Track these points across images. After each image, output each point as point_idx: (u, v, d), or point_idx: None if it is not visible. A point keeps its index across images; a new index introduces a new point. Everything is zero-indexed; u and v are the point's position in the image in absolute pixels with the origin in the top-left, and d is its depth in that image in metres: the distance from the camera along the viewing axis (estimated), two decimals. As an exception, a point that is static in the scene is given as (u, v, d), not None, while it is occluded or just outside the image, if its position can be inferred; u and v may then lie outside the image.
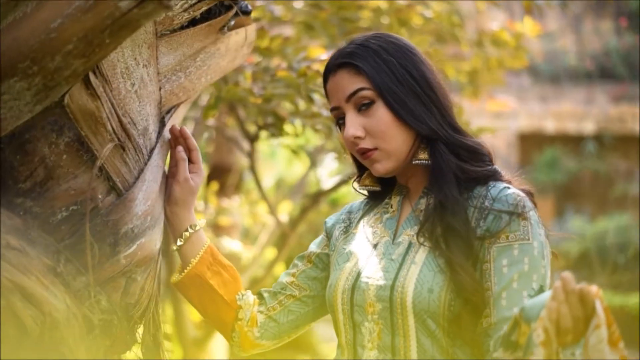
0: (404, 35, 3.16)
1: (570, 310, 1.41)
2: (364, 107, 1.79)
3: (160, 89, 1.88)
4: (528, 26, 5.15)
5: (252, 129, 3.47)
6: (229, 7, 2.02)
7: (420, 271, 1.70)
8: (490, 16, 7.92)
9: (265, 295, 2.00)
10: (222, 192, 5.75)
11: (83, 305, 1.71)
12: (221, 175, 5.90)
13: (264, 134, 3.45)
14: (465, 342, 1.68)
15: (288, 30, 4.19)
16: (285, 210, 5.02)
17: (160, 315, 1.95)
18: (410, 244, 1.77)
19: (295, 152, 3.36)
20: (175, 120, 2.07)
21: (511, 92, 13.39)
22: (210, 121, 3.87)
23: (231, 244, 4.64)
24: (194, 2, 1.87)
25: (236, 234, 5.45)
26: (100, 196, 1.72)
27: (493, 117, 13.10)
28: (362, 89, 1.78)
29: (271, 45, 2.87)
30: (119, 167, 1.75)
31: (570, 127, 13.08)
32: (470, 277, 1.65)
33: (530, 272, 1.65)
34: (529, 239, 1.68)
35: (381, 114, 1.78)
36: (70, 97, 1.62)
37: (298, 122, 3.06)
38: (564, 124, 13.08)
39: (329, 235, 1.98)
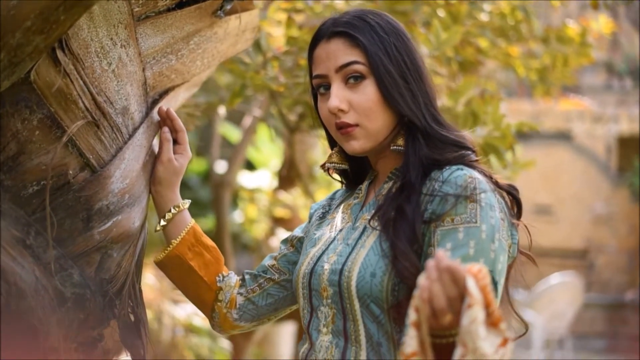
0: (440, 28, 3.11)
1: (443, 289, 1.33)
2: (352, 81, 1.75)
3: (144, 69, 1.91)
4: (602, 23, 5.02)
5: (292, 119, 3.48)
6: (223, -9, 2.04)
7: (366, 255, 1.68)
8: (565, 12, 7.71)
9: (247, 277, 2.01)
10: (291, 185, 5.79)
11: (54, 277, 1.75)
12: (292, 168, 5.93)
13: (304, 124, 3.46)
14: None
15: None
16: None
17: (141, 292, 1.98)
18: (364, 228, 1.74)
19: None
20: (172, 103, 2.10)
21: (613, 95, 13.04)
22: (257, 111, 3.90)
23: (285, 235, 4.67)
24: (177, -16, 1.90)
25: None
26: (71, 172, 1.76)
27: (592, 121, 12.78)
28: (356, 62, 1.75)
29: (300, 34, 2.87)
30: (92, 144, 1.78)
31: (673, 132, 12.63)
32: (410, 263, 1.60)
33: (477, 256, 1.59)
34: (476, 222, 1.61)
35: (370, 91, 1.75)
36: (36, 73, 1.67)
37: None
38: (667, 128, 12.64)
39: (310, 221, 1.98)
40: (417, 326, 1.36)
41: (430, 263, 1.35)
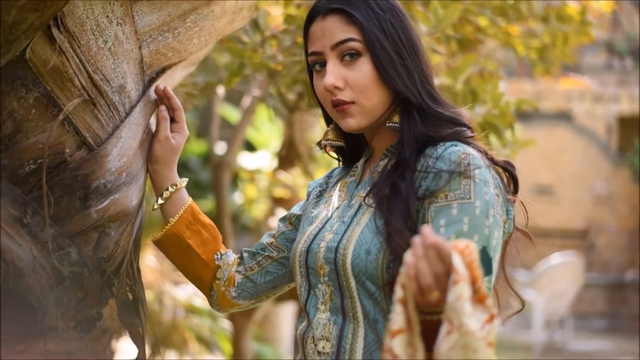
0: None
1: (430, 265, 1.32)
2: (348, 58, 1.74)
3: (140, 47, 1.90)
4: (602, 2, 5.00)
5: (291, 98, 3.47)
6: (219, -32, 2.03)
7: (361, 232, 1.67)
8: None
9: (245, 255, 2.00)
10: (290, 165, 5.79)
11: (51, 256, 1.75)
12: (291, 148, 5.93)
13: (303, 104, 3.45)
14: None
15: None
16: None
17: (139, 271, 1.98)
18: (360, 206, 1.74)
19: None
20: (169, 82, 2.09)
21: (613, 75, 13.01)
22: (256, 91, 3.88)
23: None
24: (173, -39, 1.88)
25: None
26: (68, 150, 1.75)
27: (593, 100, 12.77)
28: (352, 39, 1.74)
29: (298, 12, 2.86)
30: (89, 122, 1.78)
31: (674, 112, 12.61)
32: (404, 241, 1.59)
33: (471, 232, 1.58)
34: (469, 198, 1.60)
35: (365, 68, 1.74)
36: (32, 51, 1.66)
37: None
38: (668, 108, 12.63)
39: (308, 199, 1.97)
40: (404, 303, 1.35)
41: (416, 240, 1.33)
